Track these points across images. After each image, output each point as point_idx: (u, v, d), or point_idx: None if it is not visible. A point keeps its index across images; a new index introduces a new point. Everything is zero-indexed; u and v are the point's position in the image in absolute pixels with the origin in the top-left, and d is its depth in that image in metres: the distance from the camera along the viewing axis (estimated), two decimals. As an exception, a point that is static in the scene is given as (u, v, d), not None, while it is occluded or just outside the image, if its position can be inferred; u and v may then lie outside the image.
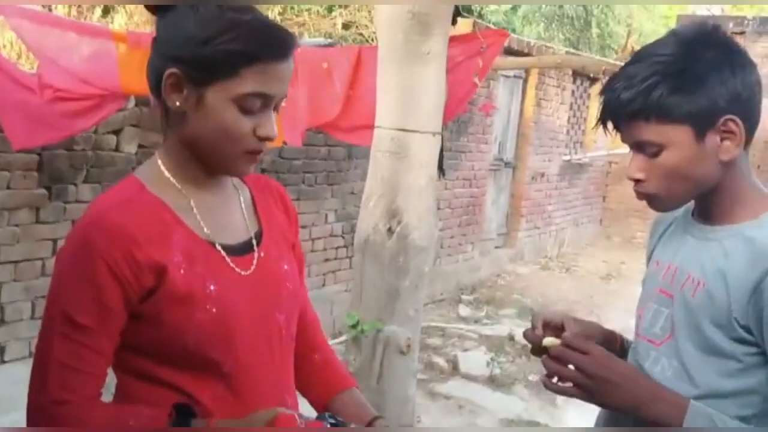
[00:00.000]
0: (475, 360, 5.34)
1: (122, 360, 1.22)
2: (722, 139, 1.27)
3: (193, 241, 1.22)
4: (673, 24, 12.04)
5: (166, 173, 1.24)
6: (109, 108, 3.55)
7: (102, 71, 3.34)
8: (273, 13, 6.97)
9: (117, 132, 4.09)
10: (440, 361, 5.32)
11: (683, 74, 1.24)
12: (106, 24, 5.65)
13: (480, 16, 9.18)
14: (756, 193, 1.32)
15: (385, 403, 3.27)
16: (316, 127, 4.53)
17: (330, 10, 7.76)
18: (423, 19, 3.12)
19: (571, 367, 1.30)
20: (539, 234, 9.66)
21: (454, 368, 5.23)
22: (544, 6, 11.79)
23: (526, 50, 7.89)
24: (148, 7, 1.26)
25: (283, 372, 1.32)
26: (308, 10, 7.58)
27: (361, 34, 7.93)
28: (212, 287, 1.20)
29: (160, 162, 1.25)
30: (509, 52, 7.28)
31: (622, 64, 1.36)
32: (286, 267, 1.33)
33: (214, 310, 1.19)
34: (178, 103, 1.18)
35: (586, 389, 1.29)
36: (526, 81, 8.71)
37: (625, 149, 1.38)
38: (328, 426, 1.19)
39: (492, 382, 5.05)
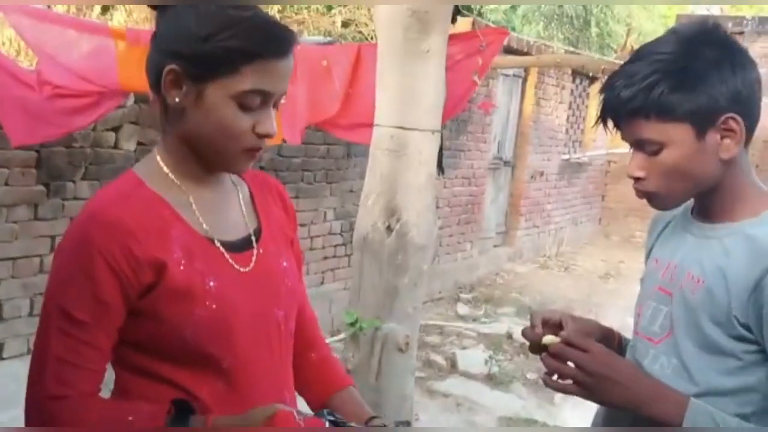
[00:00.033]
0: (474, 358, 5.34)
1: (121, 356, 1.21)
2: (722, 138, 1.27)
3: (192, 237, 1.22)
4: (672, 24, 12.03)
5: (165, 169, 1.24)
6: (107, 105, 3.55)
7: (101, 68, 3.33)
8: (273, 11, 6.96)
9: (116, 129, 4.09)
10: (439, 359, 5.32)
11: (684, 72, 1.24)
12: (105, 21, 5.64)
13: (479, 14, 9.16)
14: (756, 191, 1.33)
15: (384, 400, 3.27)
16: (316, 124, 4.53)
17: (329, 8, 7.74)
18: (422, 17, 3.11)
19: (570, 364, 1.30)
20: (538, 233, 9.66)
21: (453, 366, 5.23)
22: (543, 5, 11.78)
23: (525, 49, 7.89)
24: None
25: (281, 368, 1.32)
26: (308, 8, 7.56)
27: (360, 32, 7.92)
28: (212, 283, 1.20)
29: (158, 158, 1.25)
30: (509, 50, 7.28)
31: (622, 63, 1.36)
32: (285, 263, 1.33)
33: (213, 306, 1.19)
34: (177, 100, 1.18)
35: (585, 387, 1.28)
36: (525, 80, 8.72)
37: (624, 148, 1.39)
38: (327, 423, 1.19)
39: (490, 380, 5.05)
